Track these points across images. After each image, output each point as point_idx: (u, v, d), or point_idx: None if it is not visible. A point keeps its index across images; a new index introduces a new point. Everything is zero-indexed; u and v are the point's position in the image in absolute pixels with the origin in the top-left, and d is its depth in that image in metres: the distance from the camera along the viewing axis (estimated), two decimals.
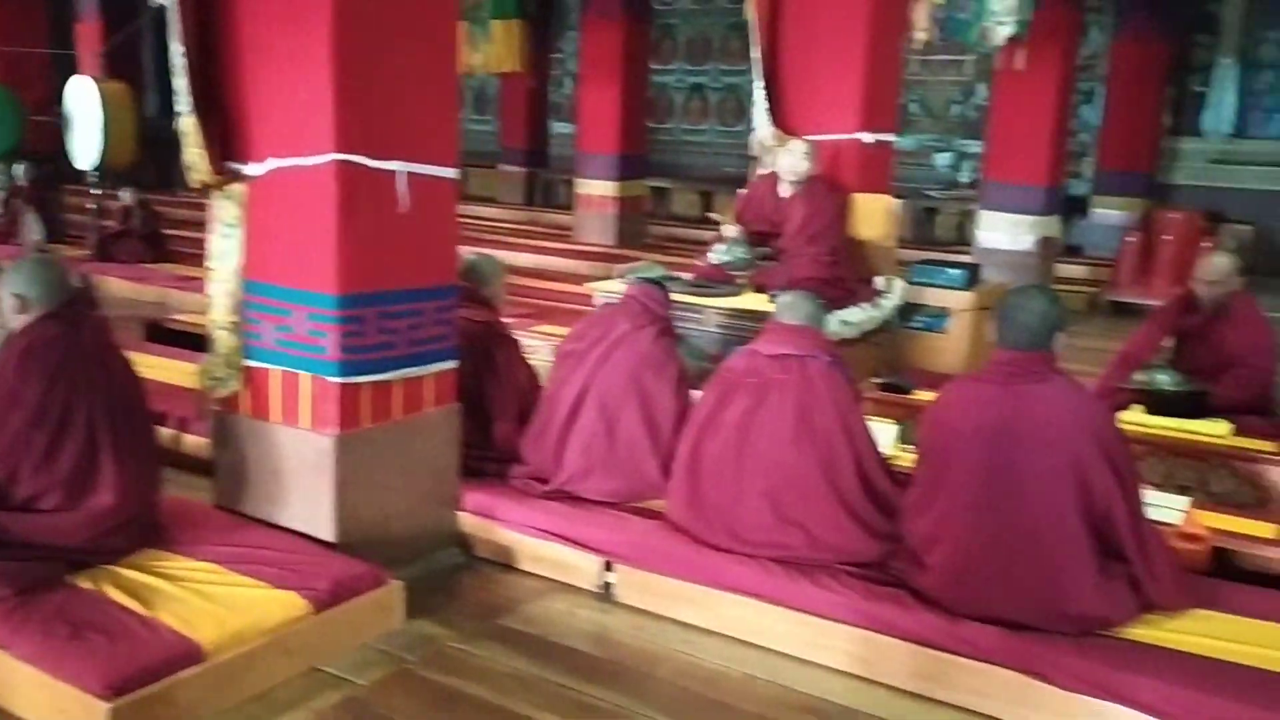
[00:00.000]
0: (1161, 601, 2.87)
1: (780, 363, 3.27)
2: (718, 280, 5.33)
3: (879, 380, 4.98)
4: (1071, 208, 12.29)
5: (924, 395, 4.42)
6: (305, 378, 3.23)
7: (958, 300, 5.67)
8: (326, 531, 3.23)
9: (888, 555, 3.10)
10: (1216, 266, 4.48)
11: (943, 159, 13.75)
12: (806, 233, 5.36)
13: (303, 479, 3.26)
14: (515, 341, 4.08)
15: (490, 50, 8.93)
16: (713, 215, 5.89)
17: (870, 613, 2.92)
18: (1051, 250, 8.89)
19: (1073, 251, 11.83)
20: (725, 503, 3.24)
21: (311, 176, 3.11)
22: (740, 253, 5.30)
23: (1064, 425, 2.81)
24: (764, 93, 5.74)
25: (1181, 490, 4.12)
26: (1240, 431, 4.18)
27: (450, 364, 3.50)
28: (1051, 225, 8.81)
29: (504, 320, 4.10)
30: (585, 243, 10.39)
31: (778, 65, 5.87)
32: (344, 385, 3.19)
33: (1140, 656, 2.67)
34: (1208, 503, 4.04)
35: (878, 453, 3.25)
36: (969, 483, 2.88)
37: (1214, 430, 4.17)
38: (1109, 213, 11.23)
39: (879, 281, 5.67)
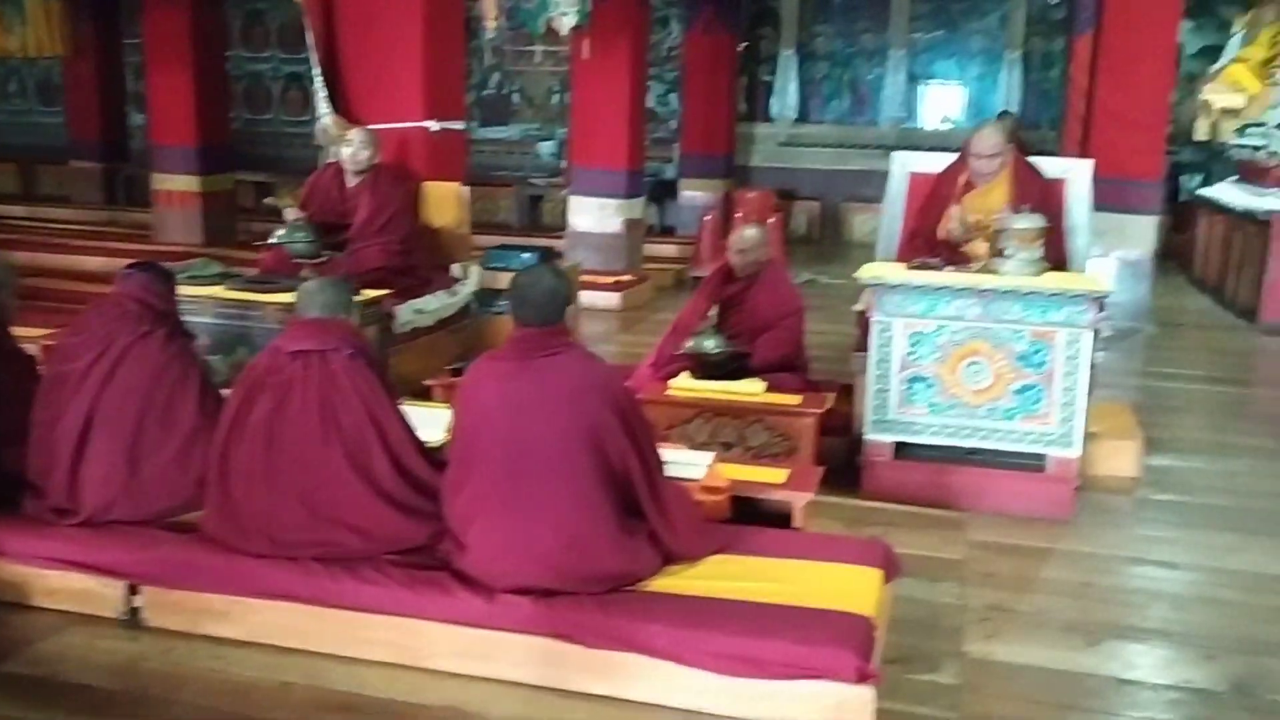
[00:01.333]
0: (681, 551, 3.08)
1: (301, 359, 3.17)
2: (282, 275, 5.09)
3: (452, 367, 4.99)
4: (664, 191, 13.07)
5: None
6: None
7: None
8: None
9: (436, 538, 3.10)
10: (746, 238, 4.89)
11: (546, 147, 14.11)
12: (375, 223, 5.26)
13: None
14: (27, 357, 3.67)
15: (27, 32, 8.00)
16: (272, 200, 5.61)
17: (409, 600, 2.90)
18: (638, 231, 9.37)
19: (667, 232, 12.58)
20: (260, 507, 3.09)
21: None
22: (302, 236, 5.07)
23: (579, 394, 2.93)
24: (322, 80, 5.57)
25: (726, 446, 4.49)
26: (773, 388, 4.59)
27: None
28: (636, 208, 9.28)
29: (12, 332, 3.67)
30: (167, 242, 9.64)
31: (338, 52, 5.72)
32: None
33: (657, 606, 2.85)
34: (747, 456, 4.44)
35: (414, 439, 3.23)
36: (495, 458, 2.93)
37: (750, 389, 4.55)
38: (695, 194, 12.02)
39: (455, 269, 5.70)
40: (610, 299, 8.28)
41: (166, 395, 3.39)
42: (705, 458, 3.65)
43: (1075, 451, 4.07)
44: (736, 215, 9.66)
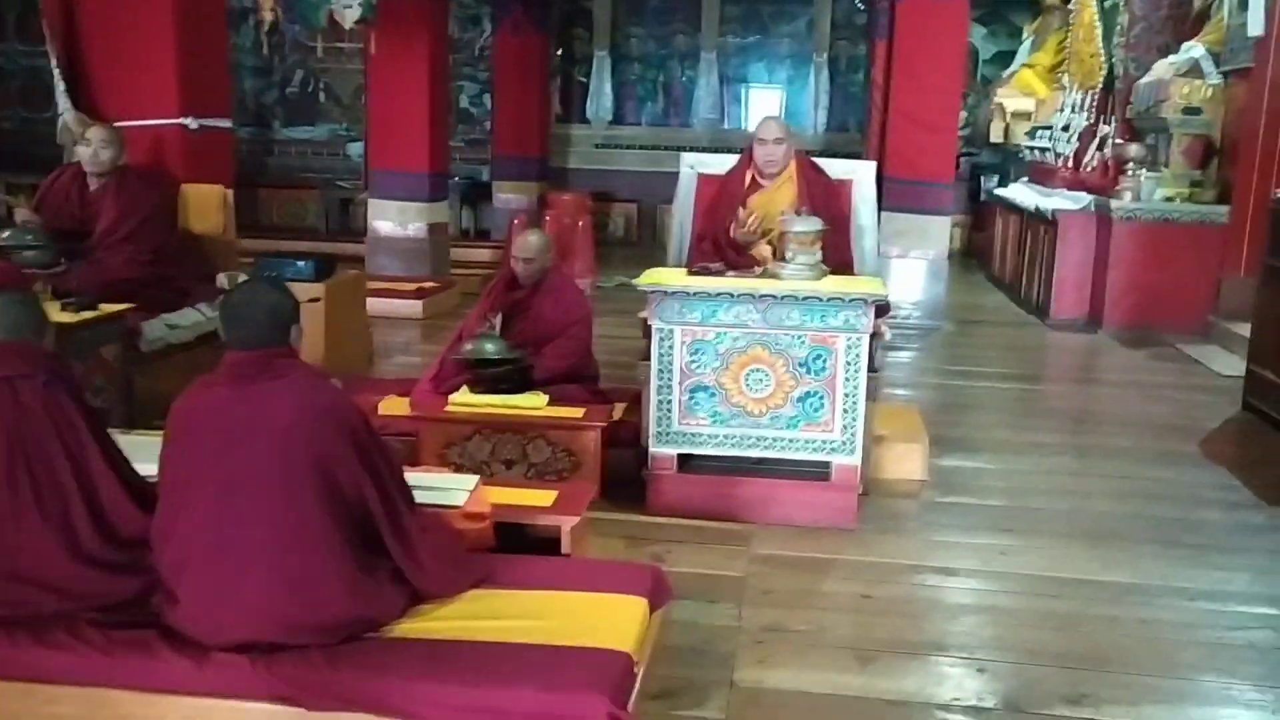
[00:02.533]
0: (432, 589, 2.80)
1: None
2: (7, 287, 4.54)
3: None
4: (478, 193, 12.74)
5: None
6: None
7: (307, 293, 5.39)
8: None
9: (146, 590, 2.73)
10: (529, 244, 4.65)
11: (355, 148, 13.55)
12: (120, 230, 4.79)
13: None
14: None
15: None
16: (8, 199, 5.05)
17: (103, 666, 2.52)
18: (443, 236, 9.02)
19: (482, 235, 12.26)
20: None
21: None
22: (31, 241, 4.53)
23: (303, 422, 2.61)
24: (60, 73, 5.04)
25: (508, 464, 4.25)
26: (557, 401, 4.36)
27: None
28: (440, 211, 8.93)
29: None
30: None
31: (82, 44, 5.18)
32: None
33: (394, 656, 2.57)
34: (531, 474, 4.20)
35: (125, 481, 2.84)
36: (207, 497, 2.59)
37: (532, 403, 4.31)
38: (509, 197, 11.75)
39: (221, 279, 5.25)
40: (412, 307, 7.92)
41: None
42: (469, 481, 3.38)
43: (857, 459, 4.00)
44: (545, 218, 9.43)
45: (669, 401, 4.03)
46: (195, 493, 2.62)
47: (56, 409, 2.76)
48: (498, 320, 4.63)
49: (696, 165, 4.97)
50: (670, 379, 4.01)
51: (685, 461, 4.10)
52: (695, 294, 3.94)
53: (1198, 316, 7.61)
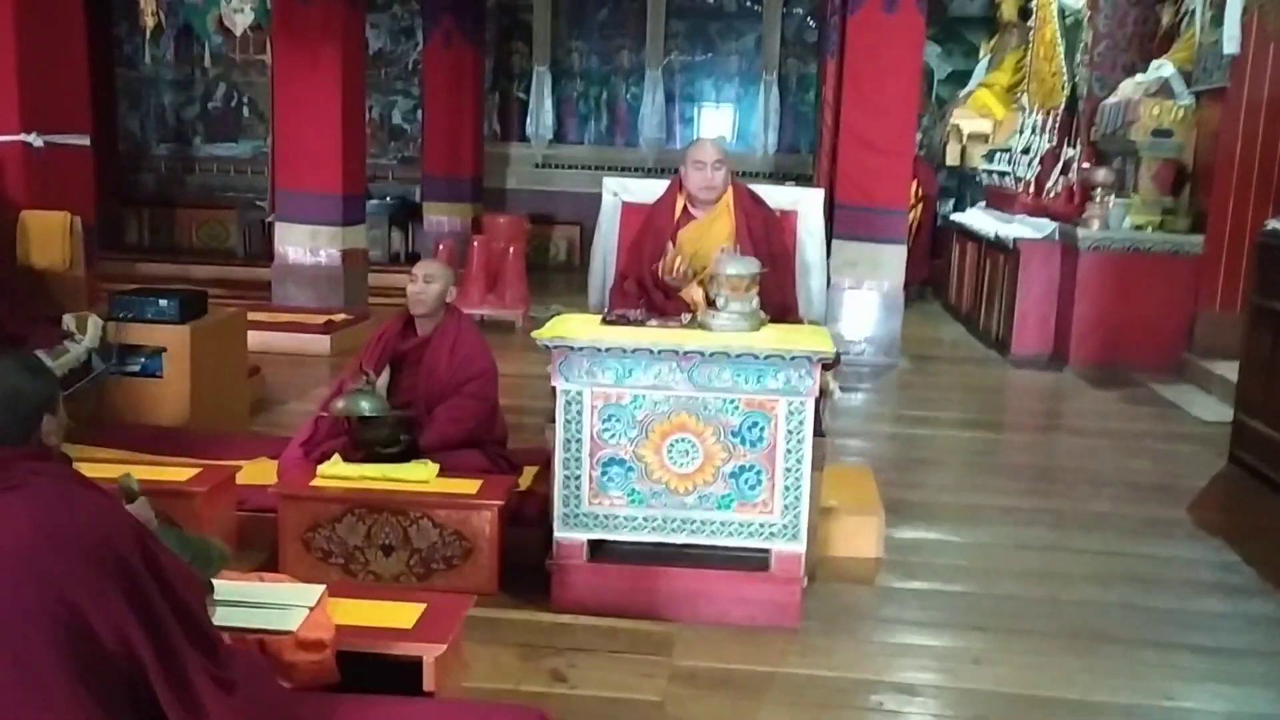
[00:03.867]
0: None
1: None
2: None
3: None
4: (408, 214, 12.02)
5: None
6: None
7: (175, 337, 4.68)
8: None
9: None
10: (428, 264, 3.98)
11: None
12: None
13: None
14: None
15: None
16: None
17: None
18: (359, 263, 8.29)
19: (414, 260, 11.52)
20: None
21: None
22: None
23: (40, 550, 1.90)
24: None
25: (386, 551, 3.55)
26: (448, 471, 3.68)
27: None
28: (356, 236, 8.20)
29: None
30: None
31: None
32: None
33: None
34: (414, 564, 3.51)
35: None
36: None
37: (418, 475, 3.63)
38: (441, 219, 11.05)
39: (67, 320, 4.51)
40: (318, 342, 7.18)
41: None
42: (312, 594, 2.68)
43: (801, 544, 3.35)
44: (475, 243, 8.74)
45: (577, 478, 3.35)
46: None
47: None
48: (382, 373, 3.95)
49: (620, 192, 4.32)
50: (579, 451, 3.34)
51: (597, 548, 3.43)
52: (608, 350, 3.27)
53: (1171, 354, 7.09)
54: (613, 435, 3.32)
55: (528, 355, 4.23)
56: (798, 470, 3.30)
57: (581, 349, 3.28)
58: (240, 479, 3.89)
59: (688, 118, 13.02)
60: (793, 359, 3.23)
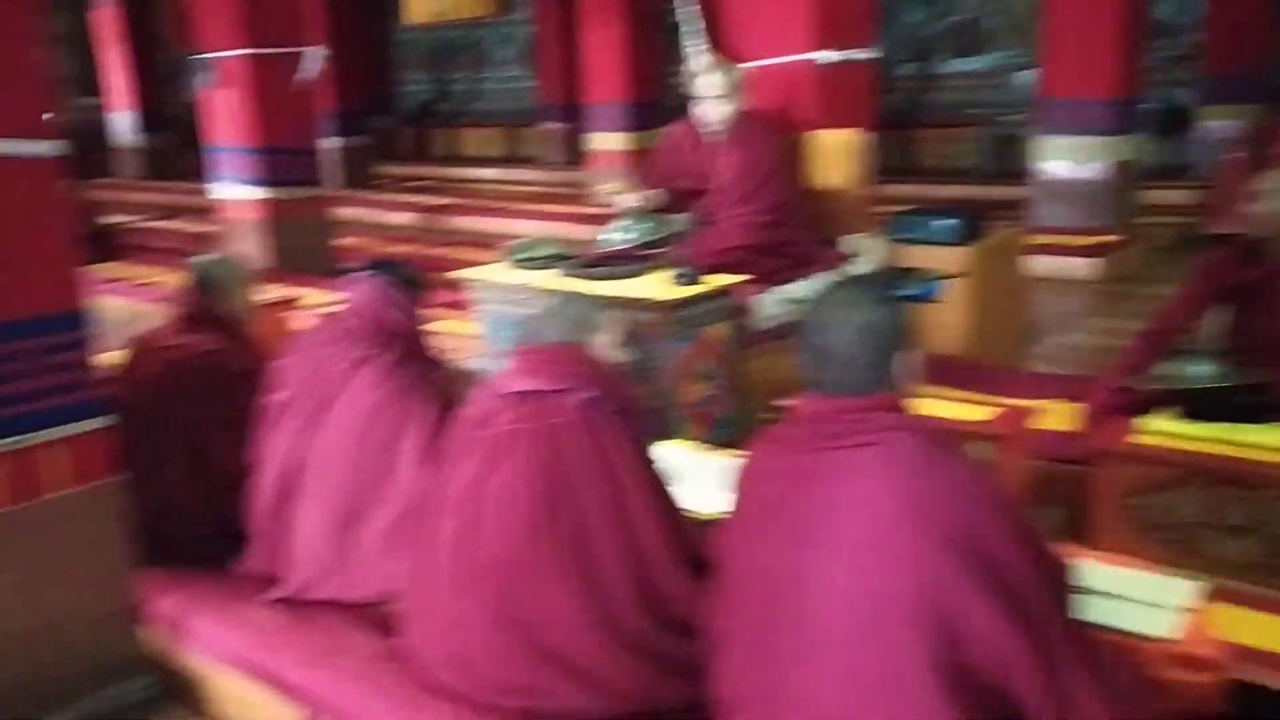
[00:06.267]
0: None
1: (519, 405, 2.12)
2: (624, 259, 4.11)
3: None
4: (1175, 121, 10.53)
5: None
6: None
7: (952, 259, 4.33)
8: None
9: (692, 699, 1.95)
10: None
11: (1020, 78, 11.97)
12: (740, 190, 4.12)
13: None
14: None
15: None
16: (605, 188, 4.66)
17: None
18: (1129, 177, 7.28)
19: (1177, 173, 10.09)
20: (445, 623, 2.12)
21: None
22: (646, 228, 4.05)
23: (898, 523, 1.59)
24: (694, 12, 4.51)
25: (1234, 533, 2.82)
26: None
27: (91, 423, 2.47)
28: (1127, 146, 7.20)
29: (251, 346, 3.05)
30: (600, 206, 9.28)
31: None
32: None
33: None
34: (1272, 556, 2.74)
35: (675, 538, 2.07)
36: (753, 604, 1.72)
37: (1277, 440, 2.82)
38: (1219, 124, 9.43)
39: (848, 242, 4.40)
40: (1083, 266, 6.47)
41: (380, 444, 2.54)
42: (1179, 591, 2.08)
43: None
44: (1275, 150, 7.20)
45: None
46: (749, 591, 1.75)
47: (605, 434, 2.06)
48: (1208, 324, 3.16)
49: None
50: None
51: None
52: None
53: None
54: None
55: None
56: None
57: None
58: (1032, 423, 3.42)
59: None
60: None
